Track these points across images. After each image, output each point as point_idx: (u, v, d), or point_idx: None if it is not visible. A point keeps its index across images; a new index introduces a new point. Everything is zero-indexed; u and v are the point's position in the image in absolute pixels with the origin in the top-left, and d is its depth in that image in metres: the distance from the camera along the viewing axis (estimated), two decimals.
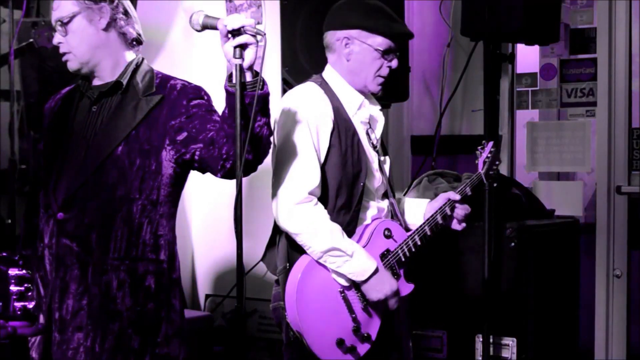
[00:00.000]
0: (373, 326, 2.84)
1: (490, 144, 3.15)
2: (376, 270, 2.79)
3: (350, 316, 2.80)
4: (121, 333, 2.58)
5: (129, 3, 2.74)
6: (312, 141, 2.77)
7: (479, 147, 3.16)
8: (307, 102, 2.82)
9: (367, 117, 2.95)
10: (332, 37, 2.90)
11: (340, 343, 2.76)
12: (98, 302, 2.57)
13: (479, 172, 3.12)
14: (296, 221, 2.73)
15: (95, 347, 2.57)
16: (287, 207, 2.74)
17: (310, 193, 2.75)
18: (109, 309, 2.58)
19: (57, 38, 2.65)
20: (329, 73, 2.94)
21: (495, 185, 3.37)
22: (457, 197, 3.01)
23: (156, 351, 2.62)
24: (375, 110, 2.99)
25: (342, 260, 2.75)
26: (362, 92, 2.93)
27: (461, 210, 3.02)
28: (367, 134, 2.94)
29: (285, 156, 2.77)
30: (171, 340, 2.66)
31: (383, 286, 2.79)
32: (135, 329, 2.60)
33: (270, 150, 2.66)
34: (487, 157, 3.14)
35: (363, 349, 2.81)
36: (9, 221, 4.07)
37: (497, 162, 3.17)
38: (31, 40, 4.01)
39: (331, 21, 2.91)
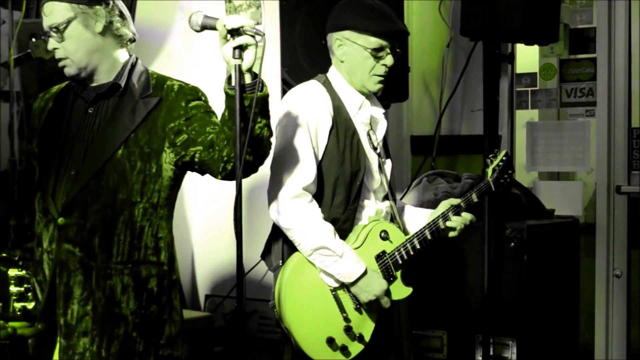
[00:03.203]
0: (367, 327, 2.83)
1: (503, 152, 3.08)
2: (365, 273, 2.79)
3: (341, 315, 2.80)
4: (126, 337, 2.58)
5: (122, 3, 2.70)
6: (309, 138, 2.79)
7: (491, 155, 3.09)
8: (307, 100, 2.85)
9: (367, 117, 2.95)
10: (330, 39, 2.94)
11: (330, 342, 2.76)
12: (103, 306, 2.57)
13: (487, 180, 3.03)
14: (289, 216, 2.74)
15: (101, 351, 2.56)
16: (281, 202, 2.74)
17: (305, 189, 2.76)
18: (113, 313, 2.57)
19: (53, 44, 2.61)
20: (332, 73, 2.97)
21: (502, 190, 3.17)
22: (458, 201, 2.97)
23: (160, 353, 2.62)
24: (377, 112, 3.00)
25: (331, 260, 2.75)
26: (363, 92, 2.94)
27: (465, 217, 2.96)
28: (368, 134, 2.95)
29: (282, 152, 2.79)
30: (174, 341, 2.66)
31: (372, 287, 2.79)
32: (140, 332, 2.59)
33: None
34: (498, 166, 3.05)
35: (355, 349, 2.81)
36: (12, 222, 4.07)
37: (509, 171, 3.07)
38: (29, 50, 4.01)
39: (329, 24, 2.95)
